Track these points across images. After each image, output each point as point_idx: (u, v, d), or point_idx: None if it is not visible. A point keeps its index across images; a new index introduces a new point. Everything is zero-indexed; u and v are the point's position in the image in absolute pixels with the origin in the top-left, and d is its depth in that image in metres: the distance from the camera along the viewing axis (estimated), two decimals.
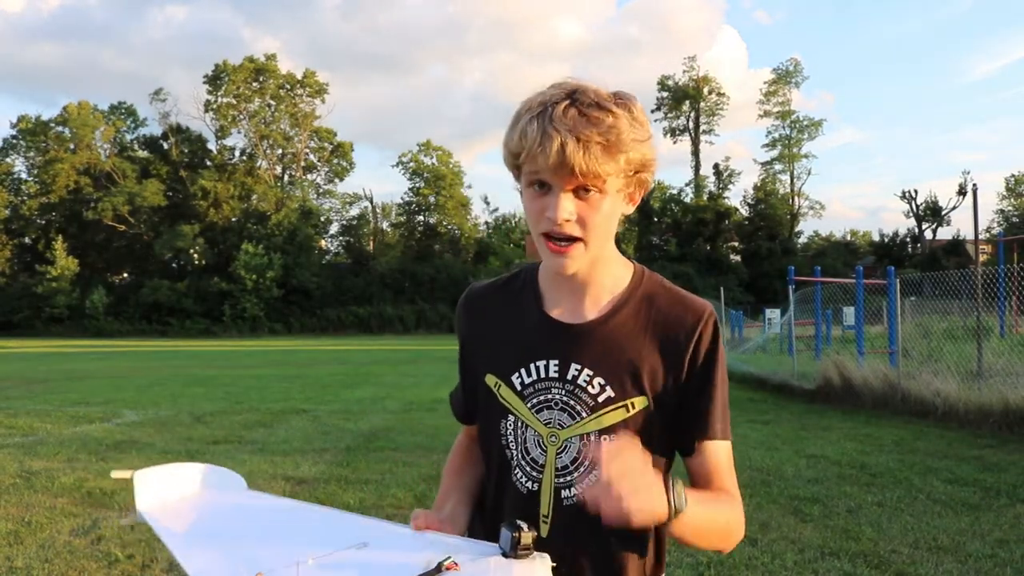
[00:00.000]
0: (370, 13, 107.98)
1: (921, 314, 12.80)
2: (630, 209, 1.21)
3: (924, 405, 9.18)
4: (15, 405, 11.75)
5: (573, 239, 1.14)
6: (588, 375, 1.21)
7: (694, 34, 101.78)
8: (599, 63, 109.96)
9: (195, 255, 58.87)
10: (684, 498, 1.09)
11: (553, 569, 1.15)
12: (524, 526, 1.10)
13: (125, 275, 63.77)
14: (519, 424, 1.25)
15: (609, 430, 1.20)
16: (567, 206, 1.12)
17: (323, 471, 6.56)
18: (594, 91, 1.12)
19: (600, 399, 1.21)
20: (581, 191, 1.12)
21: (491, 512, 1.33)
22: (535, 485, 1.24)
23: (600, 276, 1.23)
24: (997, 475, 6.08)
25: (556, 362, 1.23)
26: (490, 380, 1.30)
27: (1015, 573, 3.95)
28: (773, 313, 23.65)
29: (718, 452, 1.23)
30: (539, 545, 1.17)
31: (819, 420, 9.33)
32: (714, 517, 1.17)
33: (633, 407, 1.20)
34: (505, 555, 1.10)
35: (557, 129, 1.07)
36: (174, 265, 61.36)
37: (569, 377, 1.22)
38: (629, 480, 1.01)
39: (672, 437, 1.25)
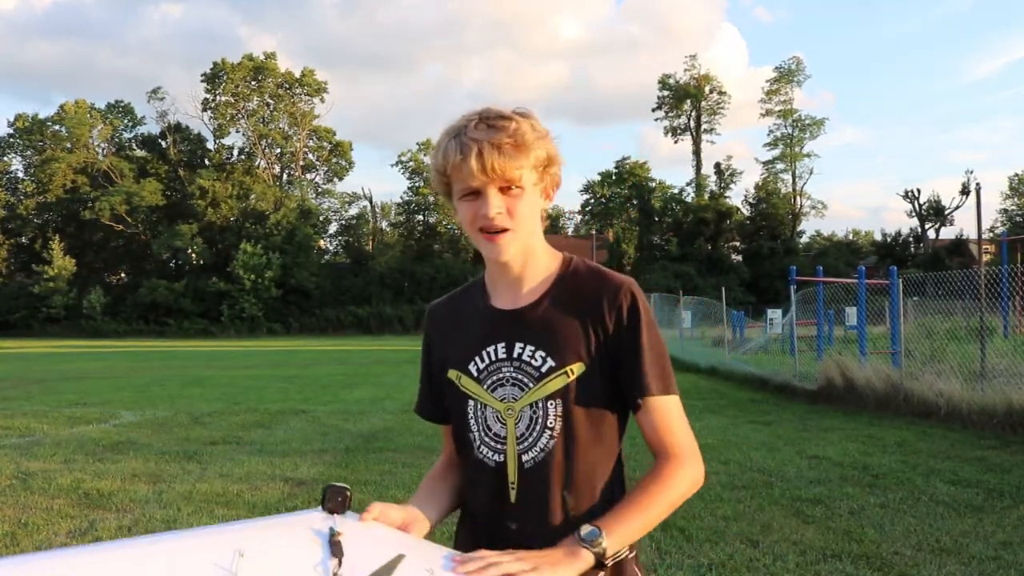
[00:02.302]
0: (368, 11, 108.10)
1: (924, 314, 12.73)
2: (547, 204, 1.42)
3: (927, 406, 9.14)
4: (12, 406, 11.72)
5: (504, 229, 1.34)
6: (531, 350, 1.38)
7: (694, 32, 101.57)
8: (599, 62, 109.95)
9: (193, 255, 58.79)
10: (603, 546, 1.24)
11: (521, 528, 1.35)
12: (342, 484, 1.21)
13: (122, 275, 63.73)
14: (479, 406, 1.41)
15: (555, 395, 1.36)
16: (496, 202, 1.32)
17: (322, 472, 6.54)
18: (498, 109, 1.35)
19: (543, 369, 1.37)
20: (505, 189, 1.32)
21: (470, 498, 1.47)
22: (501, 456, 1.39)
23: (532, 268, 1.42)
24: (1000, 476, 6.06)
25: (503, 344, 1.40)
26: (452, 375, 1.46)
27: (1019, 575, 3.92)
28: (775, 313, 23.59)
29: (660, 407, 1.37)
30: (508, 510, 1.37)
31: (821, 421, 9.29)
32: (647, 522, 1.32)
33: (572, 373, 1.36)
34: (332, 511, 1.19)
35: (473, 139, 1.30)
36: (172, 265, 61.30)
37: (515, 355, 1.39)
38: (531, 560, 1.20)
39: (617, 397, 1.40)
